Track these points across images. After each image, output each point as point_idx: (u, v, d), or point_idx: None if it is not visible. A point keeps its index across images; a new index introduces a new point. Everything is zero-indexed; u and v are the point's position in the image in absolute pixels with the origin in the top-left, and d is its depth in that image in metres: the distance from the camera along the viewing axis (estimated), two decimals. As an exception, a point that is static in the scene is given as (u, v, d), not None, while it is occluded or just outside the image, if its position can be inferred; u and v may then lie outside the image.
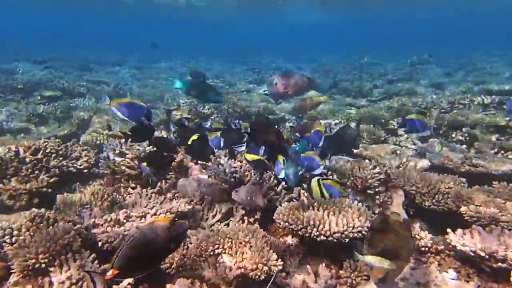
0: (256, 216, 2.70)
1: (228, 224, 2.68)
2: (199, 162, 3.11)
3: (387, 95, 9.26)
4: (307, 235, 1.98)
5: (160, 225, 1.21)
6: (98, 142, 3.86)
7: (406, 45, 22.51)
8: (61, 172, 3.22)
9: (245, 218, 2.68)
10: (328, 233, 1.92)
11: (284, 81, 4.17)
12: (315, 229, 1.94)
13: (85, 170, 3.38)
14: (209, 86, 3.81)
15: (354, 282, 1.93)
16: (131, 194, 2.77)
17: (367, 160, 3.31)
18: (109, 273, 1.18)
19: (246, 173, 2.73)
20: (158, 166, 2.60)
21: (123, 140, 3.69)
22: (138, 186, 2.83)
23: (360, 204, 2.20)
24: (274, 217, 2.25)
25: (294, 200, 2.67)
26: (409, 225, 1.55)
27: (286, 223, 2.08)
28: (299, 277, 1.92)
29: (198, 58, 19.07)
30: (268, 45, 26.96)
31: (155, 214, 2.47)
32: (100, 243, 2.15)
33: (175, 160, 3.09)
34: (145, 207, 2.57)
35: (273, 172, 2.75)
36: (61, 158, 3.25)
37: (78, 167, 3.33)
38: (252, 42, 30.08)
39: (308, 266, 2.01)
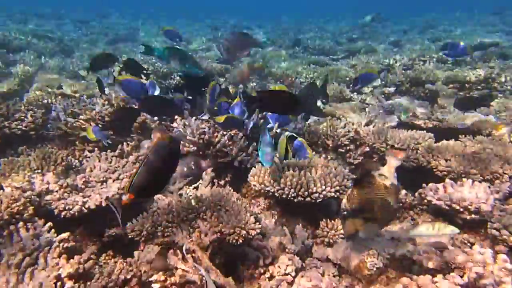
0: (226, 179, 2.62)
1: (197, 188, 2.58)
2: (163, 122, 2.93)
3: (349, 53, 9.29)
4: (284, 196, 1.92)
5: (165, 143, 1.27)
6: (45, 101, 3.53)
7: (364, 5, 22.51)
8: (3, 135, 2.93)
9: (215, 181, 2.60)
10: (306, 193, 1.87)
11: (231, 44, 3.97)
12: (292, 190, 1.88)
13: (32, 132, 3.10)
14: (189, 56, 3.48)
15: (331, 241, 1.92)
16: (89, 157, 2.57)
17: (336, 119, 3.28)
18: (125, 198, 1.24)
19: (215, 134, 2.60)
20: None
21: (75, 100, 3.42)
22: (96, 149, 2.62)
23: (336, 163, 2.16)
24: (248, 179, 2.17)
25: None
26: (395, 191, 1.52)
27: (262, 185, 2.01)
28: (276, 239, 1.88)
29: (159, 15, 18.04)
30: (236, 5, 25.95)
31: (117, 178, 2.31)
32: (56, 211, 1.98)
33: (136, 121, 2.89)
34: (106, 171, 2.39)
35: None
36: (1, 119, 2.93)
37: (23, 128, 3.03)
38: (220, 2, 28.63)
39: (284, 228, 1.97)
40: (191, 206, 1.79)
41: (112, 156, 2.58)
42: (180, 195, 2.49)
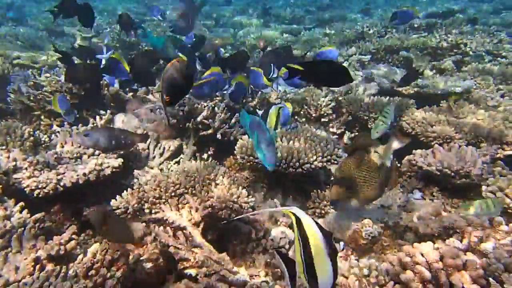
0: (209, 152, 2.54)
1: (178, 162, 2.49)
2: (137, 94, 2.78)
3: (319, 22, 9.22)
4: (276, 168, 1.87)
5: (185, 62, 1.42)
6: (0, 72, 3.26)
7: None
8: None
9: (197, 154, 2.51)
10: (297, 164, 1.83)
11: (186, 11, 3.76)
12: (283, 161, 1.83)
13: (-10, 107, 2.87)
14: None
15: (322, 211, 1.91)
16: (58, 132, 2.40)
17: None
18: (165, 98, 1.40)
19: (195, 105, 2.49)
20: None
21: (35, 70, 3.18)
22: (66, 124, 2.45)
23: (324, 133, 2.13)
24: (235, 152, 2.10)
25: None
26: (387, 171, 1.49)
27: (251, 157, 1.95)
28: (266, 212, 1.84)
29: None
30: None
31: (93, 154, 2.18)
32: (28, 190, 1.85)
33: (109, 93, 2.73)
34: (79, 146, 2.25)
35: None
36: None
37: (-20, 103, 2.80)
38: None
39: (275, 200, 1.93)
40: (179, 180, 1.71)
41: (83, 131, 2.43)
42: (162, 170, 2.40)
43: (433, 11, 8.70)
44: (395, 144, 1.49)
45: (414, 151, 2.11)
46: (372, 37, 5.62)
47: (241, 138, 2.21)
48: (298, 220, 0.79)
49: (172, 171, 2.07)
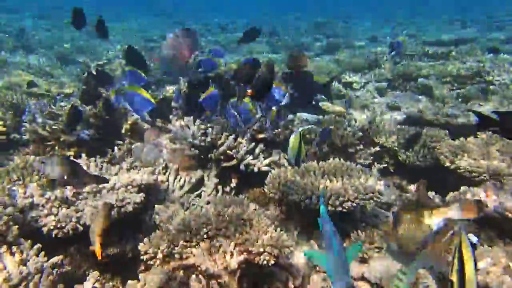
0: (232, 185, 2.41)
1: (200, 196, 2.36)
2: (156, 123, 2.68)
3: (329, 48, 9.25)
4: (311, 206, 1.73)
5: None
6: (14, 101, 3.18)
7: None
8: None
9: (219, 187, 2.38)
10: (337, 202, 1.69)
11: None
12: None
13: (2, 137, 2.78)
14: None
15: (365, 255, 1.75)
16: (77, 163, 2.29)
17: (340, 117, 3.13)
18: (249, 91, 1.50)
19: (218, 136, 2.38)
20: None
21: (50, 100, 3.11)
22: (83, 154, 2.34)
23: (359, 166, 1.99)
24: (266, 188, 1.96)
25: (276, 164, 2.41)
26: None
27: (283, 193, 1.80)
28: (302, 255, 1.70)
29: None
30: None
31: (112, 188, 2.05)
32: (45, 229, 1.71)
33: (128, 123, 2.63)
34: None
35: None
36: (-32, 123, 2.61)
37: (-6, 133, 2.71)
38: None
39: (312, 242, 1.79)
40: (210, 220, 1.57)
41: (103, 162, 2.32)
42: (182, 204, 2.27)
43: (443, 38, 8.72)
44: (453, 215, 1.34)
45: (462, 188, 1.94)
46: (386, 64, 5.57)
47: (270, 171, 2.08)
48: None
49: (200, 207, 1.94)
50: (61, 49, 7.58)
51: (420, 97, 3.98)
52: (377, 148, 2.62)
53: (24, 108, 2.87)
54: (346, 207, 1.68)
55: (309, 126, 2.03)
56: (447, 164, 2.26)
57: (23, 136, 2.83)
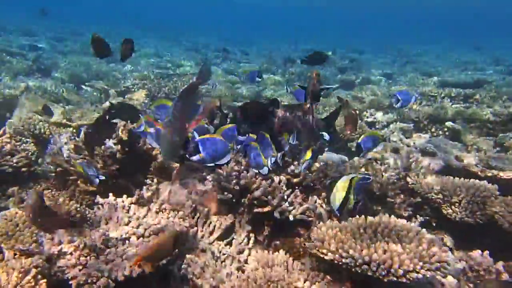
0: (265, 233, 2.29)
1: (230, 244, 2.24)
2: (186, 162, 2.59)
3: (343, 83, 9.27)
4: (370, 273, 1.59)
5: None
6: (36, 131, 3.13)
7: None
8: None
9: (251, 235, 2.26)
10: (401, 272, 1.54)
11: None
12: (382, 266, 1.56)
13: (24, 169, 2.70)
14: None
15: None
16: (102, 205, 2.19)
17: (374, 161, 3.03)
18: None
19: (253, 179, 2.29)
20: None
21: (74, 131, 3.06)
22: (111, 194, 2.24)
23: (424, 229, 1.84)
24: (315, 247, 1.82)
25: (312, 212, 2.30)
26: None
27: (336, 255, 1.66)
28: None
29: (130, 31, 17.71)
30: (201, 24, 26.10)
31: (142, 235, 1.95)
32: (74, 284, 1.60)
33: (156, 161, 2.55)
34: (126, 224, 2.02)
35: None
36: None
37: (15, 165, 2.63)
38: (185, 20, 28.78)
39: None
40: (257, 283, 1.45)
41: (130, 204, 2.23)
42: (213, 253, 2.15)
43: (458, 80, 8.72)
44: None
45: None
46: (413, 104, 5.51)
47: (315, 225, 1.96)
48: None
49: (244, 266, 1.83)
50: (77, 73, 7.64)
51: (455, 143, 3.87)
52: (419, 199, 2.51)
53: (48, 139, 2.81)
54: (411, 278, 1.55)
55: (362, 175, 1.93)
56: (506, 226, 2.14)
57: (45, 169, 2.77)
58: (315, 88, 2.21)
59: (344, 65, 11.95)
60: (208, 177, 2.45)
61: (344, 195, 1.84)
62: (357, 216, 1.90)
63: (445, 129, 4.61)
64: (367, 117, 5.48)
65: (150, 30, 18.92)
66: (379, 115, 5.54)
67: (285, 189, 2.32)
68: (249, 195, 2.28)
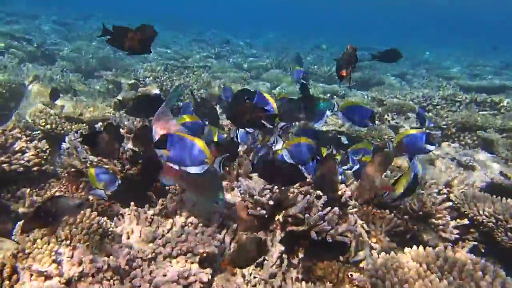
0: (300, 255, 2.12)
1: (261, 266, 2.07)
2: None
3: (357, 83, 9.06)
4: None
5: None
6: (48, 126, 2.94)
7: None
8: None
9: (285, 257, 2.09)
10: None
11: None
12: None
13: (35, 168, 2.52)
14: None
15: None
16: (122, 216, 2.02)
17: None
18: None
19: (288, 194, 2.11)
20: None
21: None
22: (132, 204, 2.07)
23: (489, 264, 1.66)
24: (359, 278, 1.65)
25: (351, 232, 2.13)
26: None
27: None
28: None
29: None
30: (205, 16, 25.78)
31: (169, 255, 1.77)
32: (98, 314, 1.43)
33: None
34: (152, 241, 1.85)
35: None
36: (-2, 151, 2.37)
37: (26, 164, 2.46)
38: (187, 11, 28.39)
39: None
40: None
41: (153, 215, 2.05)
42: (243, 276, 1.98)
43: (477, 84, 8.52)
44: None
45: None
46: (440, 110, 5.33)
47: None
48: None
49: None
50: (84, 62, 7.45)
51: (492, 155, 3.68)
52: (466, 221, 2.33)
53: (63, 137, 2.63)
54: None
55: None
56: None
57: (56, 168, 2.60)
58: (351, 59, 2.14)
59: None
60: (237, 187, 2.28)
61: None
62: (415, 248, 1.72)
63: (475, 138, 4.43)
64: (389, 121, 5.28)
65: (156, 20, 18.63)
66: (401, 120, 5.35)
67: (322, 205, 2.14)
68: (283, 211, 2.11)
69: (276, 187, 2.14)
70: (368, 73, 9.66)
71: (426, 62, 13.77)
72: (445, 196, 2.42)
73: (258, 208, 2.08)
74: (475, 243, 2.31)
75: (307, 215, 2.07)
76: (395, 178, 2.01)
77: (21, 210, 2.29)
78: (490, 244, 2.32)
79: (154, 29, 1.95)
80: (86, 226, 1.70)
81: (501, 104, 5.83)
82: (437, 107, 5.81)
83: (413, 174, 1.92)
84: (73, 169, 2.52)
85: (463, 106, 5.76)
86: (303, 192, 2.21)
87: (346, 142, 4.36)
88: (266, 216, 2.14)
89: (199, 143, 1.58)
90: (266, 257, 2.09)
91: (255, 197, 2.08)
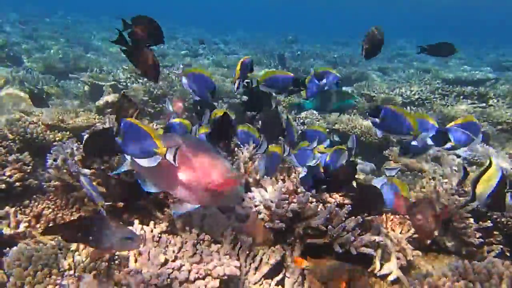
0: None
1: (281, 284, 1.92)
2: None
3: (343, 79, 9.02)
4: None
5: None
6: (28, 136, 2.68)
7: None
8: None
9: (306, 272, 1.95)
10: None
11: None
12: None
13: (18, 184, 2.29)
14: None
15: None
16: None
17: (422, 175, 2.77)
18: None
19: (308, 204, 1.97)
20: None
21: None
22: (137, 222, 1.87)
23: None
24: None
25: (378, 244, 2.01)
26: None
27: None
28: None
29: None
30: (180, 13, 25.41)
31: (186, 280, 1.60)
32: None
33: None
34: (164, 264, 1.67)
35: None
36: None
37: (9, 180, 2.22)
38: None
39: None
40: None
41: (160, 233, 1.87)
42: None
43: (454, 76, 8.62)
44: None
45: None
46: (434, 105, 5.32)
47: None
48: None
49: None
50: (55, 62, 7.07)
51: (496, 150, 3.67)
52: (489, 224, 2.26)
53: (47, 148, 2.39)
54: None
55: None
56: None
57: (43, 184, 2.37)
58: (375, 39, 2.16)
59: (333, 58, 11.74)
60: (249, 197, 2.12)
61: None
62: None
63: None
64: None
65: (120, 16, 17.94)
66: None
67: (344, 214, 2.01)
68: (304, 222, 1.97)
69: (292, 197, 2.01)
70: (351, 67, 9.68)
71: (402, 53, 13.91)
72: (467, 197, 2.33)
73: (277, 221, 1.93)
74: (501, 247, 2.24)
75: (330, 226, 1.93)
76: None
77: (5, 231, 2.06)
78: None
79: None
80: (91, 251, 1.51)
81: (489, 96, 5.89)
82: (426, 101, 5.81)
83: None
84: (60, 183, 2.31)
85: (452, 100, 5.79)
86: (320, 201, 2.08)
87: (338, 139, 4.29)
88: (284, 228, 2.00)
89: (150, 131, 1.40)
90: (287, 274, 1.95)
91: (272, 209, 1.93)
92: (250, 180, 2.25)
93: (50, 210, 2.24)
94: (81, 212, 2.27)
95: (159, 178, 1.51)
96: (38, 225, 2.20)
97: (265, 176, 2.11)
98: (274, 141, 2.48)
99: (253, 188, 2.13)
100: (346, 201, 2.09)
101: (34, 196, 2.34)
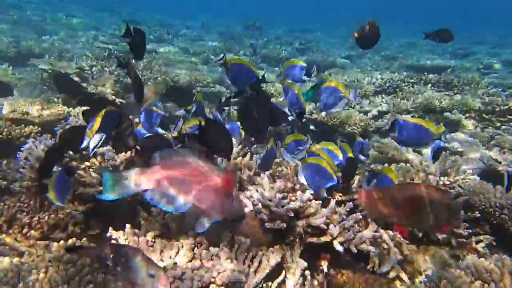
0: (324, 269, 1.93)
1: (282, 285, 1.85)
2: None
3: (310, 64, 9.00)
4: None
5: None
6: (6, 133, 2.42)
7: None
8: None
9: (307, 273, 1.88)
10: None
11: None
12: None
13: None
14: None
15: None
16: (117, 240, 1.69)
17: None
18: None
19: (308, 202, 1.90)
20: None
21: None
22: (128, 226, 1.73)
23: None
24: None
25: (380, 241, 1.98)
26: None
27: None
28: None
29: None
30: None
31: (191, 290, 1.49)
32: None
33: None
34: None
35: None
36: None
37: (-27, 182, 2.00)
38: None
39: None
40: None
41: (155, 237, 1.75)
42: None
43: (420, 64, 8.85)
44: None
45: None
46: (406, 93, 5.39)
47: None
48: None
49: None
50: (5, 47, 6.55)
51: (472, 139, 3.75)
52: (477, 214, 2.29)
53: (21, 146, 2.16)
54: None
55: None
56: None
57: (11, 182, 2.17)
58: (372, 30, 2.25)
59: (300, 46, 11.72)
60: (245, 195, 2.02)
61: None
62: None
63: (442, 121, 4.53)
64: (354, 106, 5.25)
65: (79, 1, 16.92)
66: (365, 104, 5.35)
67: (345, 213, 1.96)
68: (303, 222, 1.90)
69: (292, 195, 1.93)
70: (317, 55, 9.68)
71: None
72: (454, 189, 2.36)
73: (278, 222, 1.85)
74: (489, 237, 2.27)
75: (331, 225, 1.88)
76: None
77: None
78: (503, 237, 2.31)
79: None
80: (85, 274, 1.36)
81: (453, 83, 6.05)
82: (397, 89, 5.90)
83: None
84: (31, 183, 2.11)
85: (420, 87, 5.91)
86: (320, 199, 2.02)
87: (313, 128, 4.26)
88: (284, 227, 1.92)
89: None
90: (288, 275, 1.89)
91: (272, 209, 1.84)
92: (244, 177, 2.15)
93: (24, 213, 2.04)
94: (58, 215, 2.09)
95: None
96: (11, 230, 2.01)
97: (261, 174, 2.02)
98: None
99: (249, 187, 2.03)
100: (345, 198, 2.04)
101: (3, 198, 2.14)
